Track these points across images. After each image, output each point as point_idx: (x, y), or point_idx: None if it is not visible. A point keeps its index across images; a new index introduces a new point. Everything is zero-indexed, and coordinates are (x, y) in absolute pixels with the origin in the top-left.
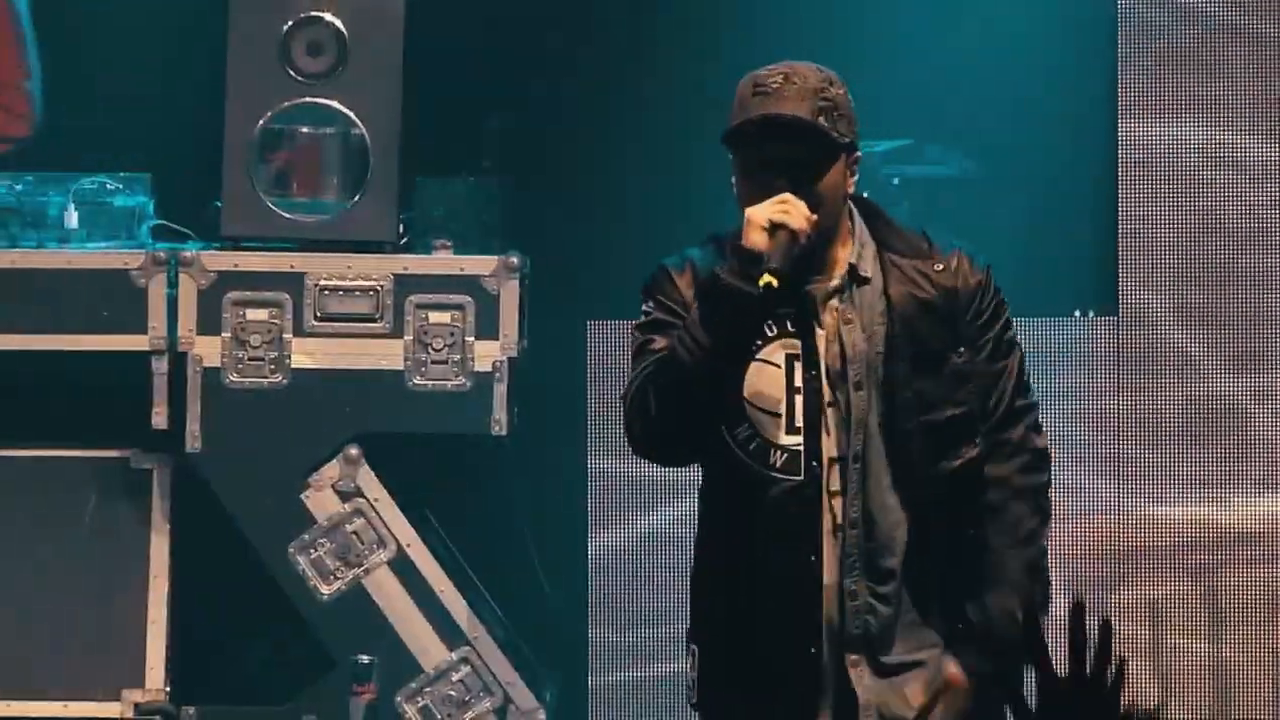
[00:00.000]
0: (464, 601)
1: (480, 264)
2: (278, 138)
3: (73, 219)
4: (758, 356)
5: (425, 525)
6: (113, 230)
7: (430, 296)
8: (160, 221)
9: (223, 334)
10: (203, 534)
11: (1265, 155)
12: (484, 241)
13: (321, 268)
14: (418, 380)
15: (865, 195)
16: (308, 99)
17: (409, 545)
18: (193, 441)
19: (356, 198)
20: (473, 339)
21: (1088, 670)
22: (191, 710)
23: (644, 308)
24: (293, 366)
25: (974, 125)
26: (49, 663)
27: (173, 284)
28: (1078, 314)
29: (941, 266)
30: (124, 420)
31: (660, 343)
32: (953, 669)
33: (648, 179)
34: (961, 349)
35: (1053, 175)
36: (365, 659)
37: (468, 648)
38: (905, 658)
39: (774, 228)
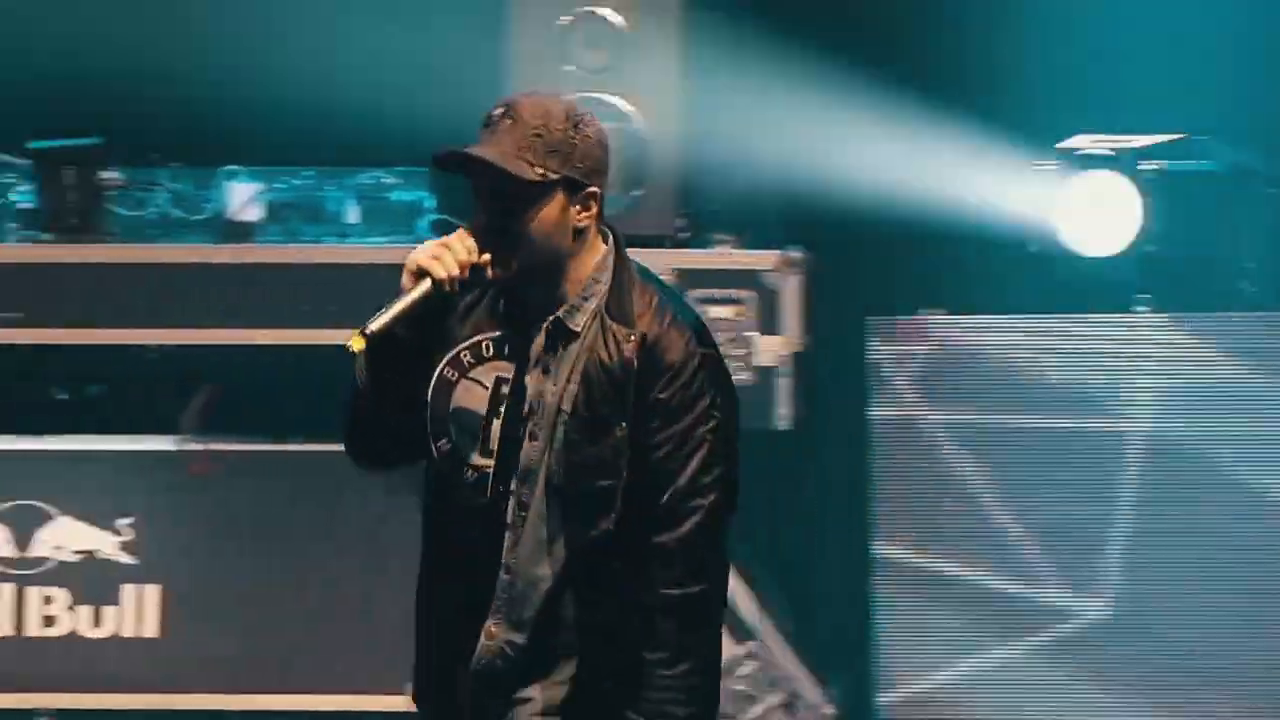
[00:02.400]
0: (751, 597)
1: (761, 259)
2: None
3: (353, 214)
4: (469, 375)
5: None
6: (392, 225)
7: (712, 291)
8: (441, 216)
9: None
10: None
11: None
12: (763, 236)
13: None
14: None
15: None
16: (587, 94)
17: None
18: None
19: (637, 193)
20: (756, 333)
21: None
22: None
23: None
24: None
25: (1261, 123)
26: (346, 658)
27: None
28: None
29: (633, 334)
30: None
31: None
32: None
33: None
34: (624, 424)
35: None
36: None
37: (755, 643)
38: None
39: (420, 273)
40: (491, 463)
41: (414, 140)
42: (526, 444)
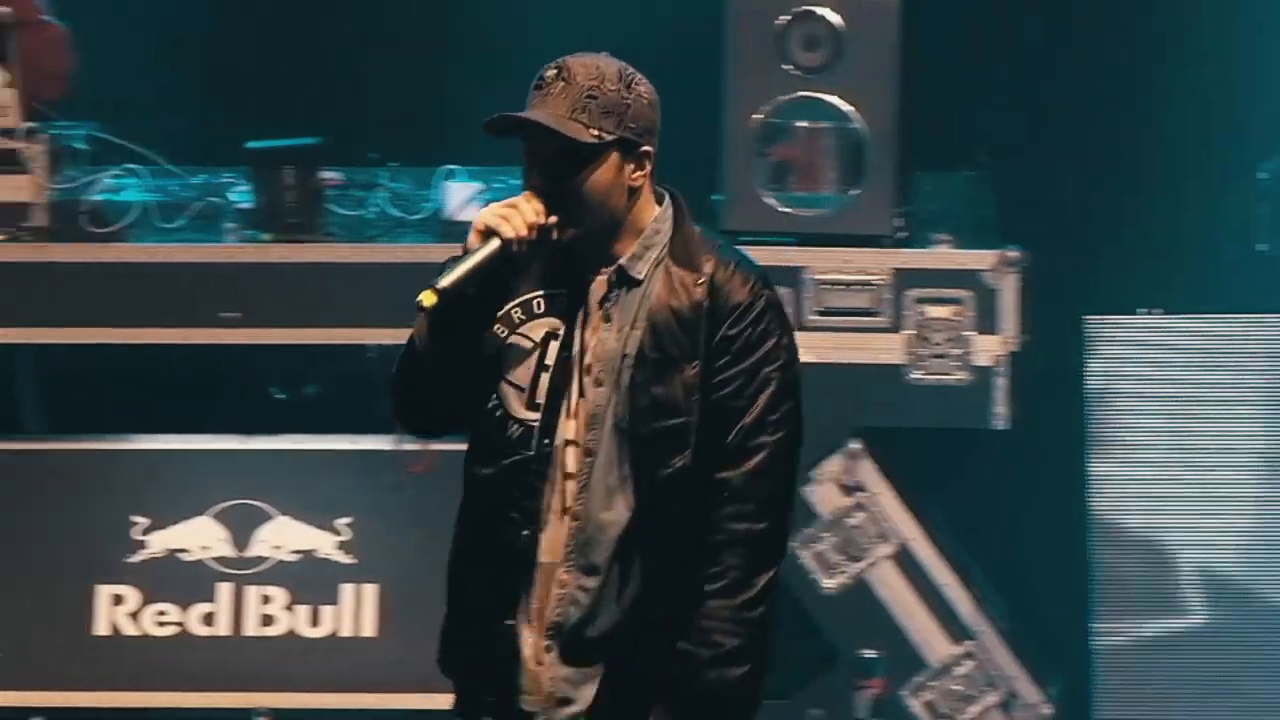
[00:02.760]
0: (967, 595)
1: (979, 258)
2: (776, 132)
3: None
4: (518, 330)
5: (926, 518)
6: None
7: (929, 291)
8: None
9: None
10: None
11: None
12: (980, 236)
13: (821, 262)
14: (917, 374)
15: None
16: (804, 93)
17: (912, 539)
18: None
19: (854, 192)
20: (973, 333)
21: None
22: None
23: None
24: None
25: None
26: None
27: None
28: None
29: (701, 278)
30: None
31: None
32: None
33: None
34: (696, 362)
35: None
36: (870, 653)
37: (972, 641)
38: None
39: (488, 232)
40: (537, 416)
41: None
42: (592, 390)
